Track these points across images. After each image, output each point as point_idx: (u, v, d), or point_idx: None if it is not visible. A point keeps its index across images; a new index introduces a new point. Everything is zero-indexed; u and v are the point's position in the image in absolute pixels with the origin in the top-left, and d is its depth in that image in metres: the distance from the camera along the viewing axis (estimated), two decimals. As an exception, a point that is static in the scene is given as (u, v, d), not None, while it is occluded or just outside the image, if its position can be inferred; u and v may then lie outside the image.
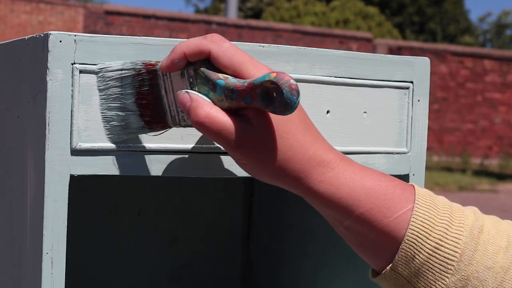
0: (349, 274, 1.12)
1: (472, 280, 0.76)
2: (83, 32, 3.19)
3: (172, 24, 12.12)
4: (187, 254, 1.30)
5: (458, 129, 13.58)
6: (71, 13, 11.68)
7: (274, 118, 0.78)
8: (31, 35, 0.83)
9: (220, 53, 0.78)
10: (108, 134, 0.82)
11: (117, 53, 0.82)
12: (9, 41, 0.91)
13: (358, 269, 1.10)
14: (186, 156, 0.86)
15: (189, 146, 0.86)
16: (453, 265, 0.76)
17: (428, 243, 0.77)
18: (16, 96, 0.87)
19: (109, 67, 0.81)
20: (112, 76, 0.81)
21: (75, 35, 0.80)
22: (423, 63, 1.01)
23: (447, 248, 0.77)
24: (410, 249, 0.77)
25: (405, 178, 1.02)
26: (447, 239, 0.77)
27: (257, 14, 21.77)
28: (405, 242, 0.77)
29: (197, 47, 0.78)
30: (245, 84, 0.75)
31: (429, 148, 12.93)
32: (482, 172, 9.98)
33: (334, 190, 0.79)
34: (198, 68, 0.78)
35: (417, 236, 0.77)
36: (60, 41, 0.79)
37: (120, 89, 0.81)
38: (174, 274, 1.30)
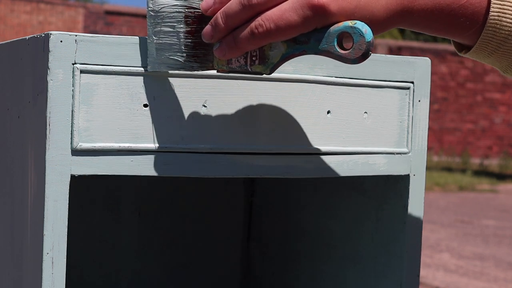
0: (349, 274, 1.12)
1: None
2: (83, 32, 3.20)
3: (172, 24, 12.10)
4: (186, 254, 1.30)
5: (458, 129, 13.58)
6: (71, 13, 11.68)
7: None
8: (31, 35, 0.83)
9: None
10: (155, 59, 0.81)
11: (118, 53, 0.82)
12: (9, 41, 0.91)
13: (358, 269, 1.10)
14: (186, 156, 0.86)
15: (189, 146, 0.86)
16: None
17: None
18: (17, 96, 0.87)
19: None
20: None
21: (76, 35, 0.80)
22: (424, 63, 1.01)
23: None
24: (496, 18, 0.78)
25: (405, 178, 1.02)
26: None
27: (257, 14, 21.75)
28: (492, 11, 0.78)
29: None
30: None
31: (429, 148, 12.92)
32: (482, 172, 9.98)
33: None
34: None
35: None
36: (61, 41, 0.79)
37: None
38: (173, 274, 1.30)
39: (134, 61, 0.83)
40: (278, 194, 1.28)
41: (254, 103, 0.89)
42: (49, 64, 0.79)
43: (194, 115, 0.86)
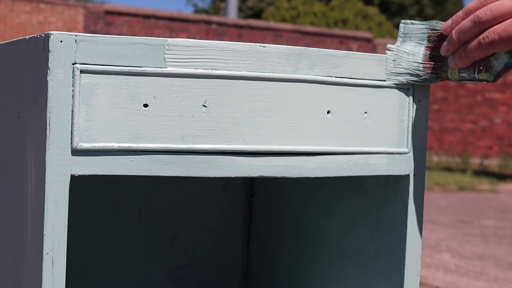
0: (350, 274, 1.12)
1: None
2: (83, 32, 3.19)
3: (172, 24, 12.11)
4: (187, 254, 1.30)
5: (458, 129, 13.57)
6: (71, 13, 11.68)
7: None
8: (31, 35, 0.83)
9: None
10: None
11: (118, 53, 0.82)
12: (9, 41, 0.91)
13: (359, 268, 1.10)
14: (186, 156, 0.86)
15: (189, 146, 0.86)
16: None
17: None
18: (17, 96, 0.87)
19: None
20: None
21: (76, 35, 0.80)
22: (424, 63, 1.01)
23: None
24: None
25: (405, 178, 1.02)
26: None
27: (257, 14, 21.76)
28: None
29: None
30: None
31: (429, 148, 12.91)
32: (482, 172, 9.98)
33: None
34: None
35: None
36: (61, 41, 0.79)
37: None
38: (174, 274, 1.30)
39: (134, 61, 0.83)
40: (278, 194, 1.28)
41: (254, 103, 0.89)
42: (49, 64, 0.79)
43: (194, 115, 0.86)
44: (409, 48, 0.99)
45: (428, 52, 0.99)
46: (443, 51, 0.97)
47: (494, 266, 3.72)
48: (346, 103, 0.95)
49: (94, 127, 0.81)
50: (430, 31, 0.99)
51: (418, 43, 1.00)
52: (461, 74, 0.97)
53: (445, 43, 0.97)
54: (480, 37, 0.92)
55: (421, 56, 0.99)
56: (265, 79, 0.89)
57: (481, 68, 0.95)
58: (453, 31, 0.95)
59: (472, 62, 0.95)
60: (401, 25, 1.01)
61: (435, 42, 0.99)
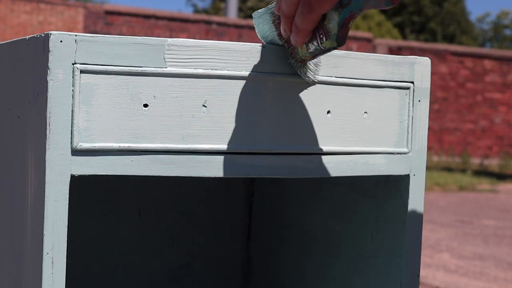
0: (350, 274, 1.12)
1: None
2: (83, 32, 3.19)
3: (172, 24, 12.11)
4: (187, 254, 1.30)
5: (458, 129, 13.57)
6: (71, 13, 11.68)
7: None
8: (31, 35, 0.83)
9: None
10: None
11: (118, 53, 0.82)
12: (9, 41, 0.91)
13: (358, 269, 1.10)
14: (186, 156, 0.86)
15: (189, 146, 0.86)
16: None
17: None
18: (17, 96, 0.87)
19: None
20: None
21: (76, 35, 0.80)
22: (424, 63, 1.01)
23: None
24: None
25: (405, 178, 1.02)
26: None
27: (257, 14, 21.73)
28: None
29: None
30: None
31: (429, 148, 12.91)
32: (482, 172, 9.98)
33: None
34: None
35: None
36: (61, 41, 0.79)
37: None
38: (174, 274, 1.30)
39: (134, 61, 0.83)
40: (278, 194, 1.28)
41: (254, 103, 0.89)
42: (49, 64, 0.79)
43: (194, 115, 0.86)
44: (271, 40, 0.91)
45: (281, 40, 0.90)
46: (282, 33, 0.88)
47: (494, 266, 3.73)
48: (346, 103, 0.95)
49: (94, 127, 0.81)
50: (272, 17, 0.90)
51: (272, 33, 0.91)
52: (309, 51, 0.87)
53: (281, 25, 0.88)
54: (300, 4, 0.83)
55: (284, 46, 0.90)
56: (265, 79, 0.89)
57: (321, 37, 0.85)
58: (279, 9, 0.86)
59: (309, 34, 0.85)
60: (253, 21, 0.92)
61: (279, 26, 0.89)
